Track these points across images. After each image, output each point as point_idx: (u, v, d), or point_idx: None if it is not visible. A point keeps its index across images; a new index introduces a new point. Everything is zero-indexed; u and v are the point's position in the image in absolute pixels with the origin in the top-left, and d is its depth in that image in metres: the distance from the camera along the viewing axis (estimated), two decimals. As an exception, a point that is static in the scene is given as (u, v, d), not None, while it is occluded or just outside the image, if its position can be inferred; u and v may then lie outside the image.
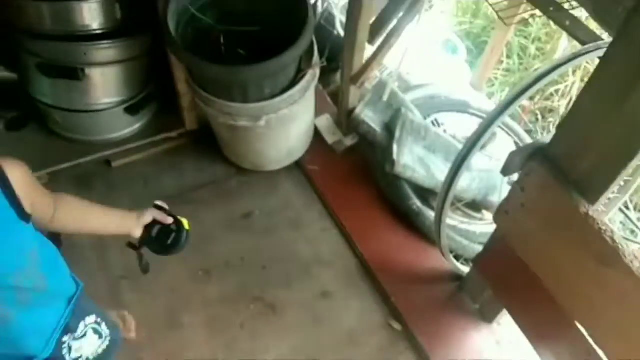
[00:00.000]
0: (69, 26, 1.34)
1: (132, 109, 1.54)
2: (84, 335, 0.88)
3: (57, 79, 1.37)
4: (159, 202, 0.99)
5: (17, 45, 1.38)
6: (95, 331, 0.92)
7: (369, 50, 1.48)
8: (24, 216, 0.71)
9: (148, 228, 0.93)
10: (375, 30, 1.39)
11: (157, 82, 1.62)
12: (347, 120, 1.63)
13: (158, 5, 1.32)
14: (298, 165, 1.69)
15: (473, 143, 1.15)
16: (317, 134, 1.71)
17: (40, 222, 0.77)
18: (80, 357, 0.89)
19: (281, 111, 1.39)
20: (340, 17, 1.80)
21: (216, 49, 1.38)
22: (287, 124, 1.48)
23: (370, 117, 1.57)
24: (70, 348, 0.86)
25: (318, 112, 1.68)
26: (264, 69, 1.24)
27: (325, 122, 1.72)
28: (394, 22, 1.40)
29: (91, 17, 1.35)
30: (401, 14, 1.37)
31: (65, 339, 0.84)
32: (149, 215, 0.93)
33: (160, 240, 0.93)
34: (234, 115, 1.37)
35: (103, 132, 1.55)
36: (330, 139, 1.69)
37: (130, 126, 1.60)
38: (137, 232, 0.92)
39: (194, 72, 1.37)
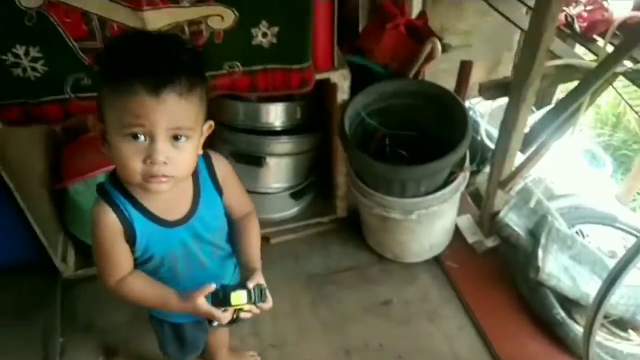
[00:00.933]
0: (257, 122, 1.61)
1: (296, 195, 1.76)
2: None
3: (243, 164, 1.62)
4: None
5: (214, 135, 1.66)
6: None
7: (519, 157, 1.57)
8: (220, 193, 0.99)
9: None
10: (528, 140, 1.48)
11: (318, 173, 1.84)
12: (489, 222, 1.69)
13: (333, 109, 1.55)
14: (437, 260, 1.76)
15: (627, 261, 1.16)
16: (457, 232, 1.78)
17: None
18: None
19: (431, 207, 1.51)
20: (485, 127, 1.93)
21: (379, 147, 1.56)
22: (434, 220, 1.58)
23: (515, 222, 1.62)
24: None
25: (459, 211, 1.76)
26: (424, 170, 1.38)
27: (466, 221, 1.80)
28: (547, 132, 1.49)
29: (276, 116, 1.62)
30: (556, 125, 1.46)
31: None
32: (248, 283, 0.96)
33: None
34: (387, 208, 1.52)
35: (268, 212, 1.76)
36: (470, 238, 1.75)
37: (290, 209, 1.81)
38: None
39: (358, 167, 1.55)
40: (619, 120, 2.64)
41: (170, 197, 0.90)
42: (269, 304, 0.97)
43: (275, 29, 1.29)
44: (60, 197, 1.67)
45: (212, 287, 0.93)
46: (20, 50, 1.18)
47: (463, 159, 1.51)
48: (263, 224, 1.76)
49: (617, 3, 1.51)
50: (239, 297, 0.92)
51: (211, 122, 0.92)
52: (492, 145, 1.89)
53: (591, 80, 1.37)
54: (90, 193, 1.60)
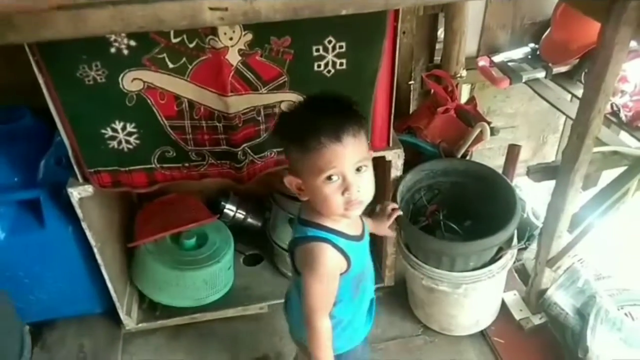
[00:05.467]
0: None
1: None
2: None
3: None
4: None
5: (275, 202, 1.80)
6: None
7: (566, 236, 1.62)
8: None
9: None
10: (576, 222, 1.54)
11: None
12: (537, 300, 1.72)
13: (386, 184, 1.66)
14: (483, 335, 1.78)
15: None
16: (503, 307, 1.81)
17: None
18: None
19: (479, 282, 1.56)
20: (532, 205, 1.99)
21: (432, 222, 1.65)
22: (481, 295, 1.63)
23: (562, 301, 1.65)
24: None
25: (506, 287, 1.80)
26: (474, 247, 1.46)
27: (512, 297, 1.83)
28: (594, 215, 1.54)
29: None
30: (603, 208, 1.52)
31: None
32: None
33: None
34: (436, 280, 1.58)
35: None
36: (517, 315, 1.77)
37: (340, 276, 1.88)
38: None
39: (408, 240, 1.63)
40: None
41: (348, 219, 1.09)
42: None
43: (340, 113, 1.43)
44: (130, 254, 1.82)
45: None
46: (118, 125, 1.36)
47: (511, 237, 1.58)
48: (314, 289, 1.87)
49: (661, 95, 1.60)
50: None
51: (371, 152, 1.10)
52: (538, 223, 1.94)
53: (638, 167, 1.44)
54: (158, 252, 1.74)
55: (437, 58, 2.02)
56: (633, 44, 1.58)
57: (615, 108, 1.69)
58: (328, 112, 1.00)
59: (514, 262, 2.01)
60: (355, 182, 1.00)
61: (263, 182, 1.73)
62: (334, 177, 1.00)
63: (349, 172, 1.00)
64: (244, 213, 1.98)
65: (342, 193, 1.01)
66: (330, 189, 1.00)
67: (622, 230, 1.92)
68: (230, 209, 1.95)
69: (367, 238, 1.20)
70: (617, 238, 1.88)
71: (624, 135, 1.75)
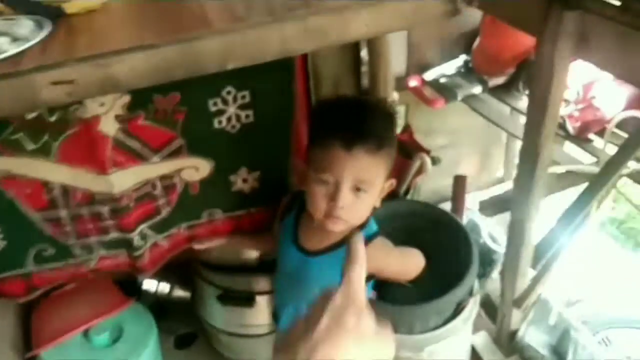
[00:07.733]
0: (244, 259, 1.48)
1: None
2: None
3: (232, 306, 1.48)
4: None
5: (198, 275, 1.53)
6: None
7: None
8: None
9: None
10: (539, 254, 1.37)
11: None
12: (508, 342, 1.54)
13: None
14: (456, 388, 1.58)
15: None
16: (473, 353, 1.62)
17: None
18: None
19: (443, 341, 1.36)
20: (488, 230, 1.82)
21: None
22: (448, 353, 1.43)
23: (536, 341, 1.48)
24: None
25: (473, 328, 1.61)
26: (430, 308, 1.26)
27: (482, 339, 1.64)
28: (557, 245, 1.38)
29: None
30: (565, 237, 1.36)
31: None
32: None
33: None
34: (396, 346, 1.36)
35: (263, 355, 1.59)
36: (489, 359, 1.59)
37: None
38: None
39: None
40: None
41: (317, 233, 1.06)
42: None
43: (257, 174, 1.20)
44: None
45: None
46: (-26, 227, 1.08)
47: (470, 288, 1.39)
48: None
49: (607, 101, 1.47)
50: None
51: (393, 181, 1.04)
52: (496, 247, 1.77)
53: (597, 187, 1.29)
54: (65, 358, 1.44)
55: (366, 81, 1.82)
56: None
57: (560, 120, 1.54)
58: (357, 116, 0.96)
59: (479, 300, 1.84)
60: (345, 198, 0.95)
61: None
62: (328, 183, 0.96)
63: (344, 185, 0.95)
64: (168, 286, 1.70)
65: (328, 202, 0.96)
66: (320, 190, 0.97)
67: (588, 252, 1.79)
68: (149, 285, 1.67)
69: (305, 264, 1.08)
70: (583, 261, 1.75)
71: (570, 147, 1.61)
